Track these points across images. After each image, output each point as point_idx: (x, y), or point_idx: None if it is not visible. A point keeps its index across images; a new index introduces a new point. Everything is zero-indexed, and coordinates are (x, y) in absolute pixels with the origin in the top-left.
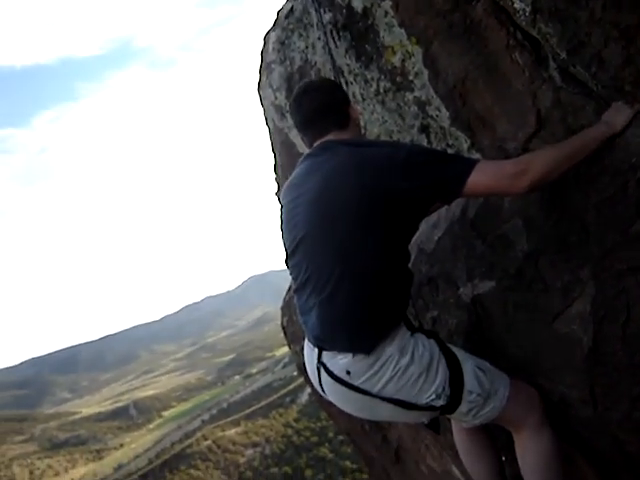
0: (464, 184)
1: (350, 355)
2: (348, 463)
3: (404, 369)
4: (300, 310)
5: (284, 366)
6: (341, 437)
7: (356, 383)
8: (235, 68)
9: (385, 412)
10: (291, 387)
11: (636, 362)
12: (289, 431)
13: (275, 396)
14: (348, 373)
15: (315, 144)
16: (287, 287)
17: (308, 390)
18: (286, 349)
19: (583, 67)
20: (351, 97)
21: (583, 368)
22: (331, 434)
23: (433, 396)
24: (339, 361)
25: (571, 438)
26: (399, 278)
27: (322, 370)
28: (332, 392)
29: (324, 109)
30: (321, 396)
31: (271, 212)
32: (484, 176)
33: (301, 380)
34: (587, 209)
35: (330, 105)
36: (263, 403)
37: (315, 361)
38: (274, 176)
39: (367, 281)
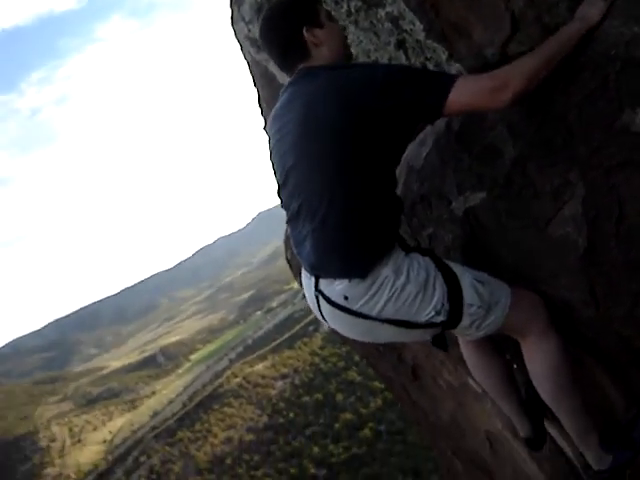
0: (444, 102)
1: (346, 280)
2: (377, 383)
3: (401, 289)
4: (294, 240)
5: (304, 296)
6: None
7: (354, 307)
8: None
9: (387, 333)
10: (313, 316)
11: (632, 258)
12: (316, 359)
13: (298, 327)
14: (346, 298)
15: (294, 72)
16: None
17: None
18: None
19: None
20: None
21: (581, 269)
22: (357, 357)
23: (432, 313)
24: (336, 287)
25: (578, 340)
26: (387, 200)
27: (321, 298)
28: (333, 319)
29: (281, 46)
30: None
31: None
32: (464, 93)
33: None
34: (569, 109)
35: (284, 40)
36: (287, 335)
37: (313, 290)
38: (259, 110)
39: (357, 205)
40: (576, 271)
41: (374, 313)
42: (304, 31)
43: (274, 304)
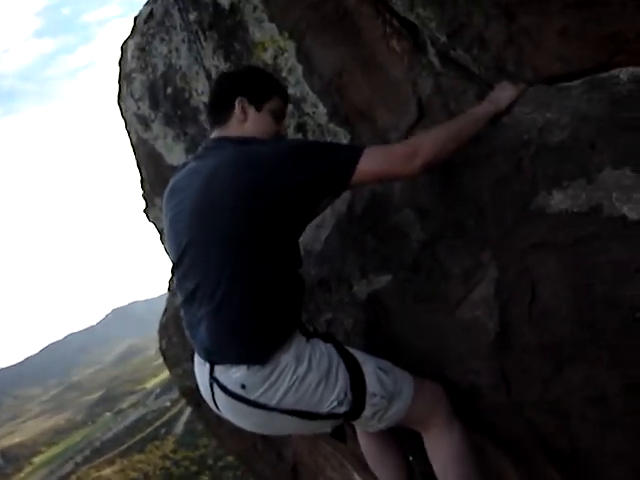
0: (353, 171)
1: (244, 367)
2: None
3: (302, 377)
4: (188, 324)
5: (156, 397)
6: (221, 463)
7: (252, 397)
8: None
9: (286, 425)
10: (165, 418)
11: (545, 342)
12: (167, 463)
13: (149, 429)
14: (243, 387)
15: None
16: (151, 318)
17: (183, 419)
18: (157, 380)
19: (464, 50)
20: None
21: (492, 354)
22: (211, 461)
23: (335, 403)
24: (233, 375)
25: (483, 427)
26: (291, 282)
27: (215, 386)
28: (227, 408)
29: (213, 98)
30: (208, 418)
31: (128, 243)
32: (374, 161)
33: (176, 410)
34: (481, 191)
35: (218, 95)
36: (138, 437)
37: (207, 377)
38: (141, 192)
39: (257, 287)
40: (486, 355)
41: (273, 403)
42: (237, 100)
43: (125, 405)
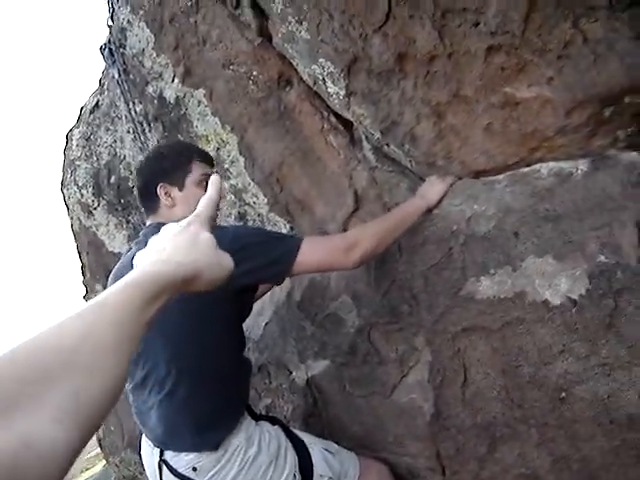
0: (293, 261)
1: (196, 452)
2: None
3: (252, 459)
4: (137, 410)
5: None
6: None
7: None
8: None
9: None
10: None
11: (479, 422)
12: None
13: None
14: (194, 470)
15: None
16: None
17: None
18: (89, 474)
19: (396, 145)
20: None
21: (427, 435)
22: None
23: None
24: (184, 457)
25: None
26: (238, 367)
27: (164, 468)
28: None
29: (138, 189)
30: None
31: None
32: (314, 253)
33: None
34: (414, 278)
35: (141, 185)
36: None
37: (157, 459)
38: (81, 279)
39: (206, 376)
40: (422, 437)
41: None
42: (158, 187)
43: None
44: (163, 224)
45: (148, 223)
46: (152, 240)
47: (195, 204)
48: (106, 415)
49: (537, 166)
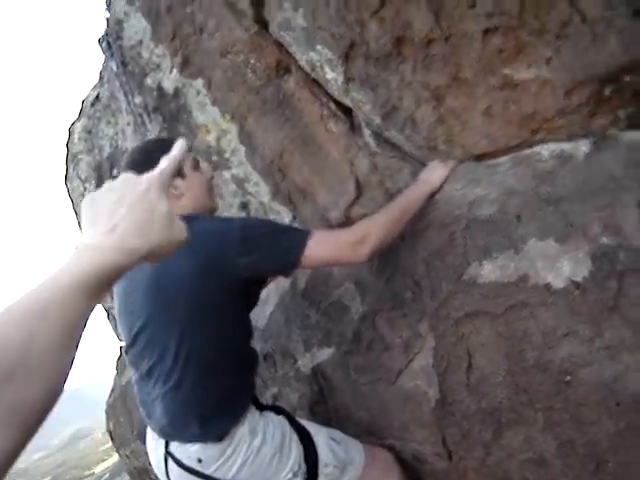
0: (301, 255)
1: (201, 443)
2: None
3: (257, 450)
4: (142, 401)
5: None
6: None
7: (208, 472)
8: None
9: None
10: None
11: (483, 407)
12: None
13: None
14: (200, 461)
15: None
16: (102, 400)
17: None
18: (105, 465)
19: (397, 130)
20: None
21: (432, 421)
22: None
23: (290, 475)
24: (189, 448)
25: None
26: (245, 357)
27: (170, 460)
28: None
29: None
30: None
31: None
32: (322, 248)
33: None
34: (417, 264)
35: None
36: None
37: (162, 451)
38: None
39: (213, 366)
40: (428, 423)
41: (228, 478)
42: None
43: None
44: None
45: None
46: (104, 199)
47: (199, 189)
48: (45, 418)
49: (538, 148)
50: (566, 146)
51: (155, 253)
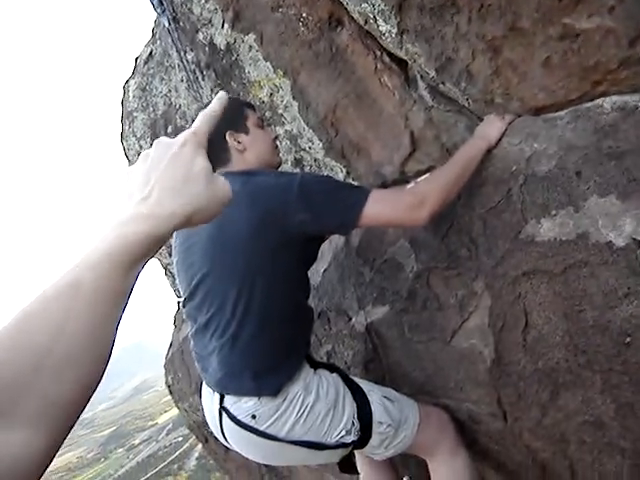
0: (360, 214)
1: (256, 398)
2: None
3: (310, 408)
4: (198, 355)
5: (168, 433)
6: None
7: (262, 428)
8: None
9: (295, 456)
10: (177, 454)
11: (540, 368)
12: None
13: (162, 465)
14: (254, 417)
15: None
16: (164, 352)
17: (195, 455)
18: (168, 416)
19: (452, 83)
20: None
21: (488, 381)
22: None
23: (343, 433)
24: (244, 404)
25: (483, 454)
26: (302, 313)
27: (224, 415)
28: (236, 439)
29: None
30: (217, 453)
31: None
32: (381, 208)
33: (187, 445)
34: (473, 221)
35: (210, 141)
36: (150, 474)
37: (217, 406)
38: None
39: (271, 320)
40: (483, 383)
41: (282, 434)
42: (227, 136)
43: (137, 441)
44: (231, 174)
45: (221, 171)
46: (138, 170)
47: (263, 145)
48: (80, 413)
49: (600, 101)
50: (629, 98)
51: (198, 215)
